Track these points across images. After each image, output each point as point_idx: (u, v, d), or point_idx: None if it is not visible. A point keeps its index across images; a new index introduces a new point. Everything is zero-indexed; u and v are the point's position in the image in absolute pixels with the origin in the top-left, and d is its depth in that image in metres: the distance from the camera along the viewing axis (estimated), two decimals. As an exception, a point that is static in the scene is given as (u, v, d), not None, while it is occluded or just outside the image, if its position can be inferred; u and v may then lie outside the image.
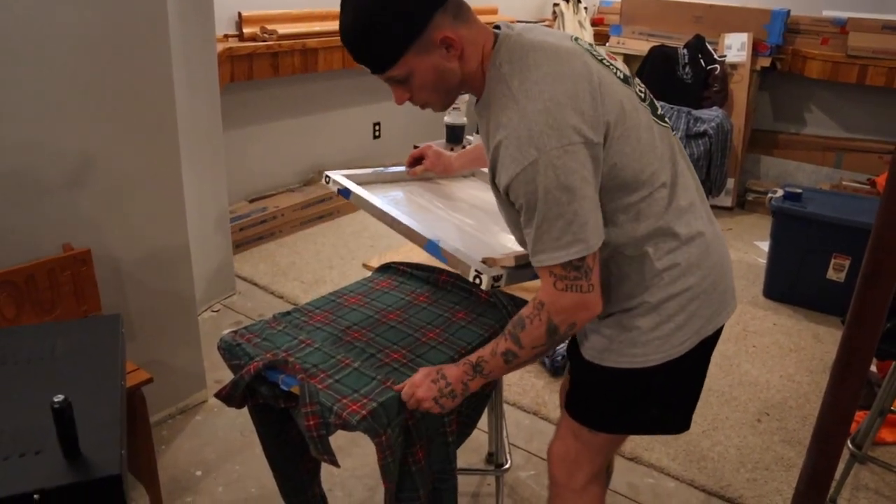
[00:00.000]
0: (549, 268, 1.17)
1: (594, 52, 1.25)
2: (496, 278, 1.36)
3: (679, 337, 1.27)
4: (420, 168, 1.83)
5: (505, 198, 1.21)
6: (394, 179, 1.86)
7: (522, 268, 1.40)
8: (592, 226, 1.14)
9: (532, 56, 1.18)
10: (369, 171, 1.82)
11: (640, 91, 1.29)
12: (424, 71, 1.20)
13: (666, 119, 1.32)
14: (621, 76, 1.25)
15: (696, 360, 1.35)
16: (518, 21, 5.07)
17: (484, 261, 1.40)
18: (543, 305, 1.20)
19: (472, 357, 1.31)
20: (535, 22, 5.20)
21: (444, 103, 1.28)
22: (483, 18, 5.12)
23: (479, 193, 1.86)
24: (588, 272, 1.17)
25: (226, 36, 3.50)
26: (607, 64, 1.25)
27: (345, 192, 1.68)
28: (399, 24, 1.15)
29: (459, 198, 1.82)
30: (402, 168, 1.86)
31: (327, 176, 1.73)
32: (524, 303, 1.63)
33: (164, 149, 2.08)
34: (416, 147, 1.90)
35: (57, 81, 1.77)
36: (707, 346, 1.34)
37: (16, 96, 1.71)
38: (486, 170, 1.23)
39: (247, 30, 3.54)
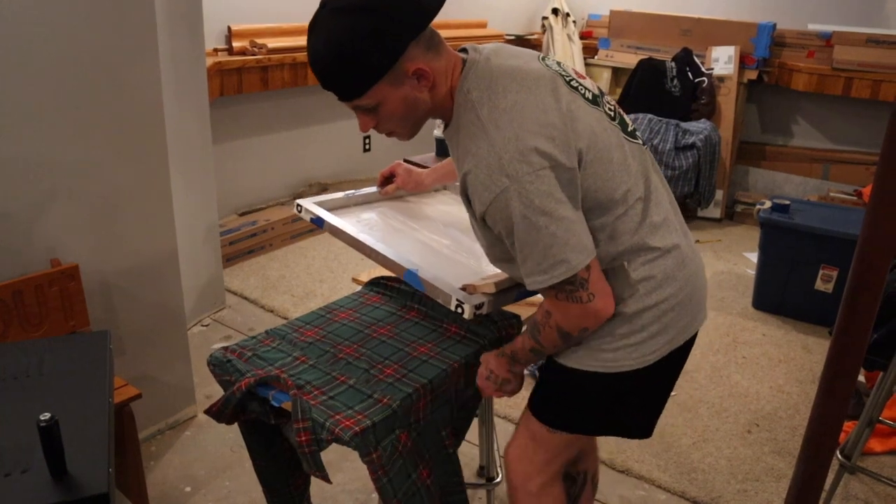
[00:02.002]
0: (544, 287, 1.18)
1: (562, 73, 1.25)
2: (478, 307, 1.36)
3: (651, 346, 1.28)
4: (392, 187, 1.83)
5: (482, 223, 1.21)
6: (366, 201, 1.85)
7: (503, 292, 1.39)
8: (574, 244, 1.14)
9: (501, 82, 1.18)
10: (340, 195, 1.82)
11: (610, 109, 1.28)
12: (394, 101, 1.19)
13: (637, 134, 1.32)
14: (589, 96, 1.25)
15: (666, 369, 1.35)
16: (507, 35, 5.11)
17: (464, 288, 1.40)
18: (550, 315, 1.23)
19: (507, 349, 1.36)
20: (525, 36, 5.24)
21: (411, 132, 1.28)
22: (472, 32, 5.11)
23: (452, 209, 1.86)
24: (583, 283, 1.17)
25: (215, 50, 3.50)
26: (575, 85, 1.24)
27: (318, 221, 1.67)
28: (373, 54, 1.13)
29: (433, 216, 1.81)
30: (374, 189, 1.85)
31: (299, 205, 1.72)
32: (514, 316, 1.64)
33: (154, 163, 2.07)
34: (406, 161, 1.90)
35: (45, 95, 1.77)
36: (677, 355, 1.34)
37: (3, 110, 1.70)
38: (458, 183, 1.23)
39: (236, 44, 3.54)
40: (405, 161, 1.89)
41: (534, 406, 1.42)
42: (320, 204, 1.74)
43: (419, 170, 1.83)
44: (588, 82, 1.30)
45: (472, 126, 1.17)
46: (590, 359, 1.29)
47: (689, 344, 1.36)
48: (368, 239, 1.54)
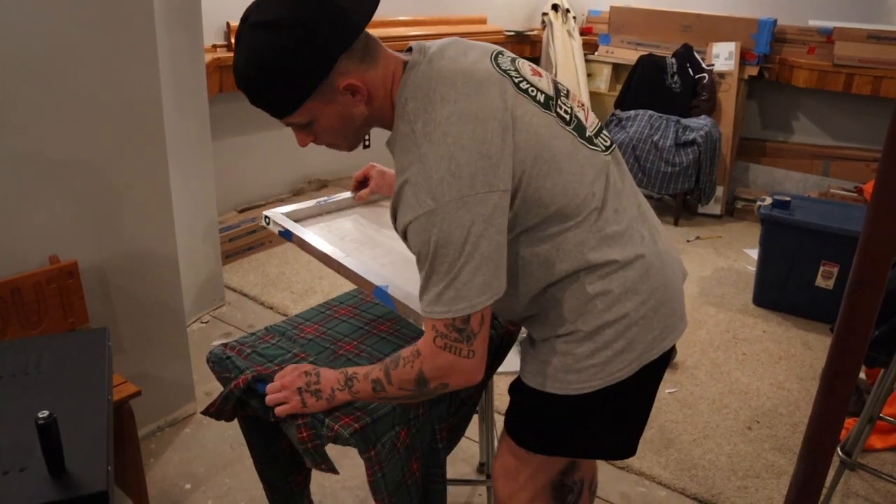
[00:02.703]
0: (433, 321, 1.11)
1: (512, 74, 1.18)
2: None
3: (617, 364, 1.21)
4: (366, 192, 1.75)
5: (403, 239, 1.16)
6: (339, 208, 1.78)
7: None
8: (479, 284, 1.08)
9: (439, 91, 1.10)
10: (312, 203, 1.75)
11: (565, 112, 1.21)
12: (328, 117, 1.15)
13: (598, 138, 1.25)
14: (541, 99, 1.18)
15: (639, 386, 1.28)
16: (507, 31, 5.10)
17: None
18: (419, 354, 1.16)
19: (350, 370, 1.28)
20: (525, 32, 5.22)
21: (352, 145, 1.24)
22: (471, 28, 5.10)
23: None
24: (471, 337, 1.11)
25: (214, 46, 3.49)
26: (525, 87, 1.17)
27: (286, 234, 1.60)
28: (298, 71, 1.07)
29: None
30: (347, 194, 1.79)
31: (266, 217, 1.64)
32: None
33: (153, 159, 2.06)
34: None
35: (43, 91, 1.76)
36: (652, 370, 1.27)
37: (1, 106, 1.70)
38: None
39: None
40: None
41: (508, 426, 1.38)
42: (290, 214, 1.67)
43: (393, 172, 1.80)
44: (544, 82, 1.22)
45: (406, 139, 1.11)
46: (555, 381, 1.23)
47: (665, 358, 1.28)
48: (336, 252, 1.47)
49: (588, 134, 1.23)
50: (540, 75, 1.24)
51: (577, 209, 1.16)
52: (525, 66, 1.23)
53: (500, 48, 1.25)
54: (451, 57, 1.16)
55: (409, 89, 1.13)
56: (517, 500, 1.42)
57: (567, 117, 1.21)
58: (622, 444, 1.36)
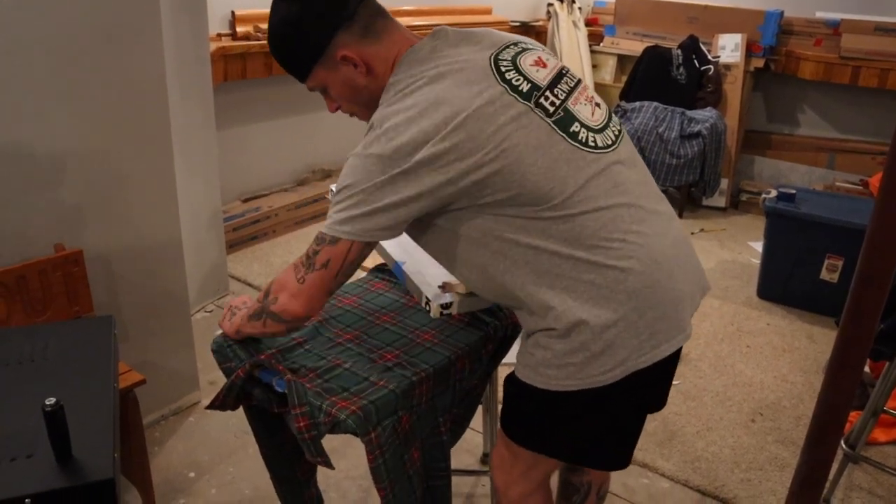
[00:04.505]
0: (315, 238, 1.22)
1: (504, 64, 1.20)
2: (445, 306, 1.39)
3: (597, 366, 1.18)
4: None
5: None
6: None
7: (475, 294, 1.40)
8: (345, 218, 1.17)
9: (419, 77, 1.18)
10: None
11: (550, 105, 1.19)
12: (336, 85, 1.27)
13: (601, 134, 1.23)
14: (524, 89, 1.18)
15: (630, 396, 1.24)
16: (512, 22, 5.09)
17: (442, 285, 1.42)
18: (282, 279, 1.27)
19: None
20: (530, 23, 5.20)
21: (368, 115, 1.26)
22: (477, 19, 5.07)
23: None
24: (310, 266, 1.21)
25: (219, 35, 3.48)
26: (510, 77, 1.18)
27: None
28: (301, 43, 1.23)
29: None
30: None
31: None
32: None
33: (157, 148, 2.06)
34: None
35: (48, 79, 1.76)
36: (645, 381, 1.22)
37: (5, 94, 1.70)
38: None
39: (240, 28, 3.52)
40: None
41: (500, 418, 1.38)
42: None
43: None
44: (542, 73, 1.22)
45: (382, 102, 1.22)
46: (538, 374, 1.23)
47: (662, 371, 1.24)
48: None
49: (573, 129, 1.20)
50: (544, 66, 1.24)
51: (535, 200, 1.15)
52: (528, 57, 1.24)
53: (519, 39, 1.29)
54: (452, 41, 1.24)
55: (401, 71, 1.22)
56: (511, 492, 1.42)
57: (551, 109, 1.19)
58: (609, 455, 1.33)
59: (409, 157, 1.12)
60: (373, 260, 1.95)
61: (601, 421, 1.28)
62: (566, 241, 1.16)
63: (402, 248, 1.51)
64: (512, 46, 1.25)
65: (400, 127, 1.13)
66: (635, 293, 1.17)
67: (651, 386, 1.29)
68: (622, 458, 1.34)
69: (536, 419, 1.30)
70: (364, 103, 1.29)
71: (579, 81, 1.28)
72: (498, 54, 1.22)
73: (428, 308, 1.39)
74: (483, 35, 1.26)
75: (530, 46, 1.28)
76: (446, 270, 1.36)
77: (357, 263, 1.22)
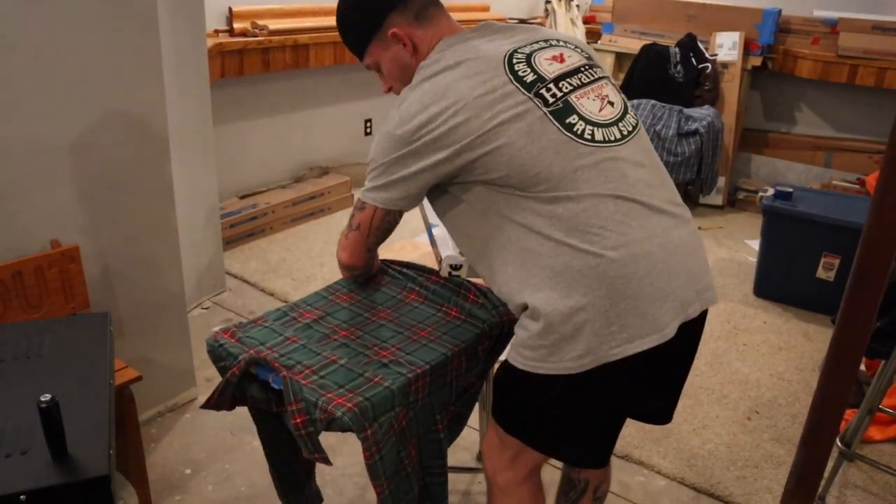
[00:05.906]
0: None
1: (517, 57, 1.28)
2: (455, 266, 1.53)
3: (568, 352, 1.20)
4: None
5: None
6: None
7: None
8: (379, 187, 1.31)
9: (441, 63, 1.29)
10: None
11: (552, 96, 1.25)
12: (388, 62, 1.40)
13: (605, 129, 1.26)
14: (528, 80, 1.26)
15: (604, 389, 1.26)
16: (510, 19, 5.08)
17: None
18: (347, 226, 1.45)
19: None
20: (528, 20, 5.20)
21: None
22: (474, 16, 5.06)
23: None
24: (350, 227, 1.41)
25: (216, 31, 3.47)
26: (518, 69, 1.27)
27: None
28: (359, 20, 1.39)
29: None
30: None
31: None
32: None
33: (154, 144, 2.06)
34: None
35: (44, 75, 1.75)
36: (620, 376, 1.23)
37: (2, 91, 1.69)
38: None
39: (237, 25, 3.52)
40: None
41: (492, 404, 1.42)
42: None
43: None
44: (554, 66, 1.30)
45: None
46: (516, 354, 1.27)
47: (642, 368, 1.24)
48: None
49: (569, 121, 1.25)
50: (562, 61, 1.32)
51: (522, 182, 1.23)
52: (548, 52, 1.32)
53: (561, 38, 1.39)
54: (486, 34, 1.35)
55: (433, 56, 1.33)
56: (499, 479, 1.44)
57: (550, 100, 1.25)
58: (580, 451, 1.36)
59: (417, 138, 1.25)
60: (382, 253, 1.94)
61: (574, 412, 1.30)
62: (549, 223, 1.22)
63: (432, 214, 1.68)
64: (542, 42, 1.34)
65: (413, 109, 1.26)
66: (607, 281, 1.19)
67: (632, 385, 1.29)
68: (596, 456, 1.37)
69: (517, 403, 1.34)
70: (408, 83, 1.37)
71: (600, 78, 1.34)
72: (519, 48, 1.31)
73: (439, 267, 1.51)
74: (524, 30, 1.37)
75: (561, 44, 1.37)
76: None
77: (383, 229, 1.39)
